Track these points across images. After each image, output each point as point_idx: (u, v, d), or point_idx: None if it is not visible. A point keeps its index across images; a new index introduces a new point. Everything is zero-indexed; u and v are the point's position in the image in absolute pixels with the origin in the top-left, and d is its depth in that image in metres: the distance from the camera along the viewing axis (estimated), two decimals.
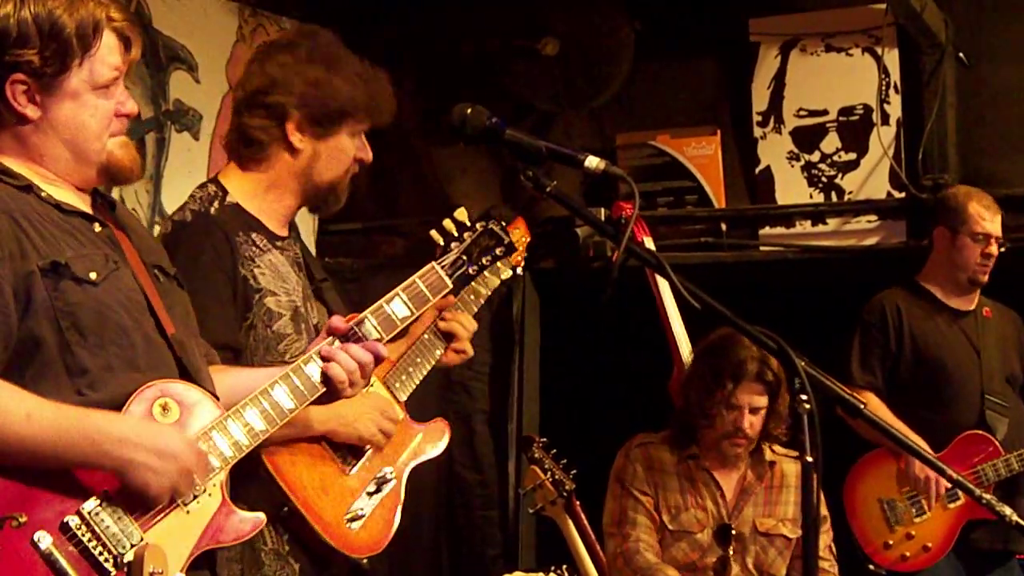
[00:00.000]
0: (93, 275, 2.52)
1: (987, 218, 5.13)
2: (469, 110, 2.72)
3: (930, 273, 5.27)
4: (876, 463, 5.16)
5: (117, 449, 2.42)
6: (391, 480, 3.38)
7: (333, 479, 3.25)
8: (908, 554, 5.08)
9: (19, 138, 2.57)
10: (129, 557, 2.44)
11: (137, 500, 2.46)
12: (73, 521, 2.40)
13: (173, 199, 3.36)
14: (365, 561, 3.31)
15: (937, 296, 5.23)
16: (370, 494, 3.32)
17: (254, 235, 3.25)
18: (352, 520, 3.25)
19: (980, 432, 5.04)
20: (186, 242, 3.12)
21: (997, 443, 5.02)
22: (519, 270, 3.88)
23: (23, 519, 2.35)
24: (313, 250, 5.94)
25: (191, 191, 3.31)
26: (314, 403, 2.77)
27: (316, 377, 2.72)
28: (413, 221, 6.31)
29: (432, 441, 3.60)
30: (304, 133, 3.30)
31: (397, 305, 2.89)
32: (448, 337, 3.60)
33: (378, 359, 2.79)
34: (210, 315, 3.03)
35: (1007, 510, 3.01)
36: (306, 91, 3.28)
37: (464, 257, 3.02)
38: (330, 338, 2.78)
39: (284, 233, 3.38)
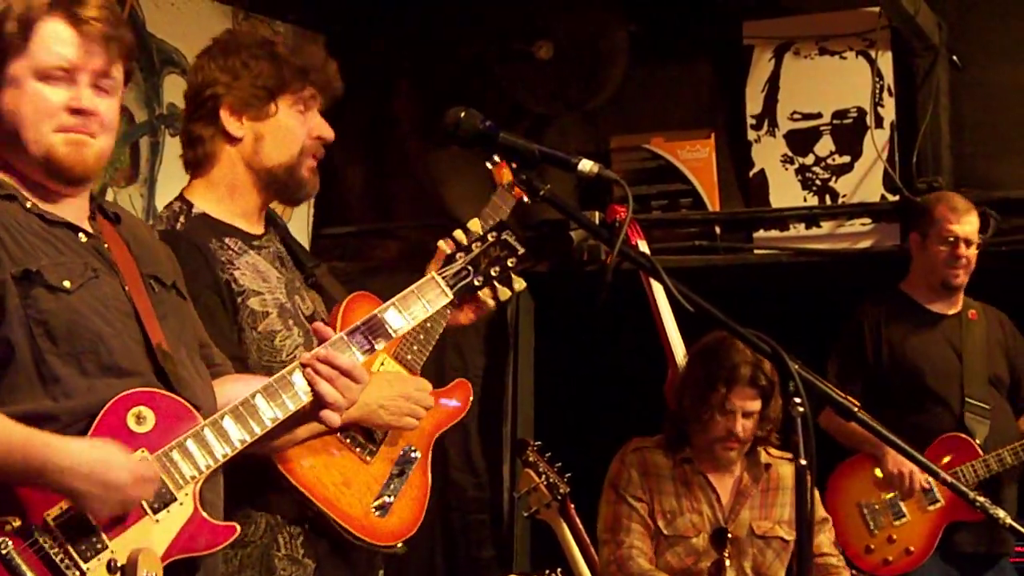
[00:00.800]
0: (67, 283, 2.51)
1: (953, 220, 5.10)
2: (463, 114, 2.72)
3: (911, 279, 5.29)
4: (855, 468, 5.16)
5: (61, 478, 2.39)
6: (415, 457, 3.34)
7: (354, 471, 3.21)
8: (890, 558, 5.08)
9: None
10: (121, 560, 2.43)
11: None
12: (36, 528, 2.39)
13: (167, 203, 3.37)
14: (399, 545, 3.29)
15: (919, 302, 5.23)
16: (395, 477, 3.28)
17: (227, 240, 3.21)
18: (379, 509, 3.22)
19: (958, 434, 5.04)
20: None
21: (976, 445, 5.02)
22: (525, 198, 3.81)
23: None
24: None
25: (158, 212, 3.30)
26: (302, 414, 2.73)
27: (300, 386, 2.69)
28: (407, 225, 6.32)
29: (454, 406, 3.55)
30: (239, 118, 3.25)
31: (391, 316, 2.83)
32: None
33: (353, 378, 2.73)
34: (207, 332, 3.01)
35: (1000, 512, 3.00)
36: (228, 79, 3.24)
37: (470, 268, 2.94)
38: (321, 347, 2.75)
39: (260, 231, 3.34)
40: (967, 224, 5.11)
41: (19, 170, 2.60)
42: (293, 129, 3.30)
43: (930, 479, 5.02)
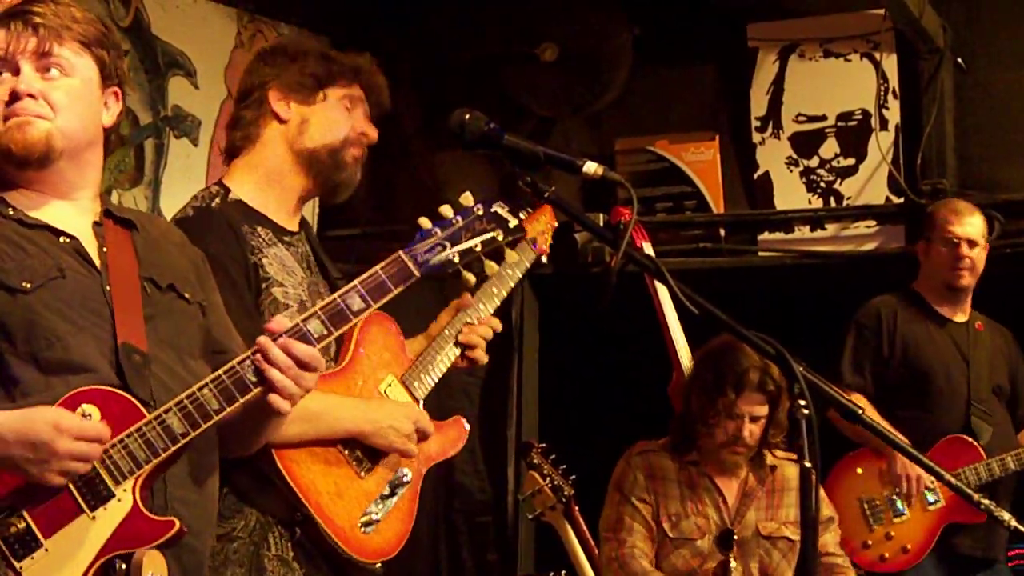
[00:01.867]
0: (26, 284, 2.54)
1: (954, 222, 5.16)
2: (467, 116, 2.71)
3: (921, 284, 5.32)
4: (859, 462, 5.16)
5: (3, 446, 2.42)
6: (407, 481, 3.34)
7: (348, 483, 3.21)
8: (887, 555, 5.08)
9: None
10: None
11: (40, 505, 2.46)
12: None
13: (172, 205, 3.37)
14: (379, 565, 3.29)
15: (932, 304, 5.25)
16: (384, 497, 3.28)
17: (259, 228, 3.22)
18: (366, 525, 3.22)
19: (963, 436, 5.06)
20: (191, 235, 3.04)
21: (980, 448, 5.03)
22: (544, 259, 3.81)
23: None
24: None
25: (194, 194, 3.32)
26: (254, 403, 2.66)
27: (250, 375, 2.61)
28: (411, 227, 6.31)
29: (450, 440, 3.55)
30: (287, 101, 3.30)
31: (352, 298, 2.67)
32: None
33: (307, 367, 2.64)
34: (230, 306, 2.98)
35: (1005, 515, 3.01)
36: (278, 71, 3.32)
37: (446, 243, 2.72)
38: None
39: (293, 228, 3.34)
40: (968, 226, 5.15)
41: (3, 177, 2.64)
42: (339, 120, 3.34)
43: (933, 480, 5.03)
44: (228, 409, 2.60)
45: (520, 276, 3.75)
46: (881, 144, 5.84)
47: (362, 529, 3.21)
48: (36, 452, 2.43)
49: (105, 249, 2.69)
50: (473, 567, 6.23)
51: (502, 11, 6.13)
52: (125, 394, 2.56)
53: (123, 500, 2.53)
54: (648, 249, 5.28)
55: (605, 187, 4.77)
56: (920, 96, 5.81)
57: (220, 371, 2.61)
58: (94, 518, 2.51)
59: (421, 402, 3.45)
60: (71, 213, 2.69)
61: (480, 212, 2.76)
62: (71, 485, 2.48)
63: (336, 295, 2.68)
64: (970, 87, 5.82)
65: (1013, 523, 3.02)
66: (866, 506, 5.10)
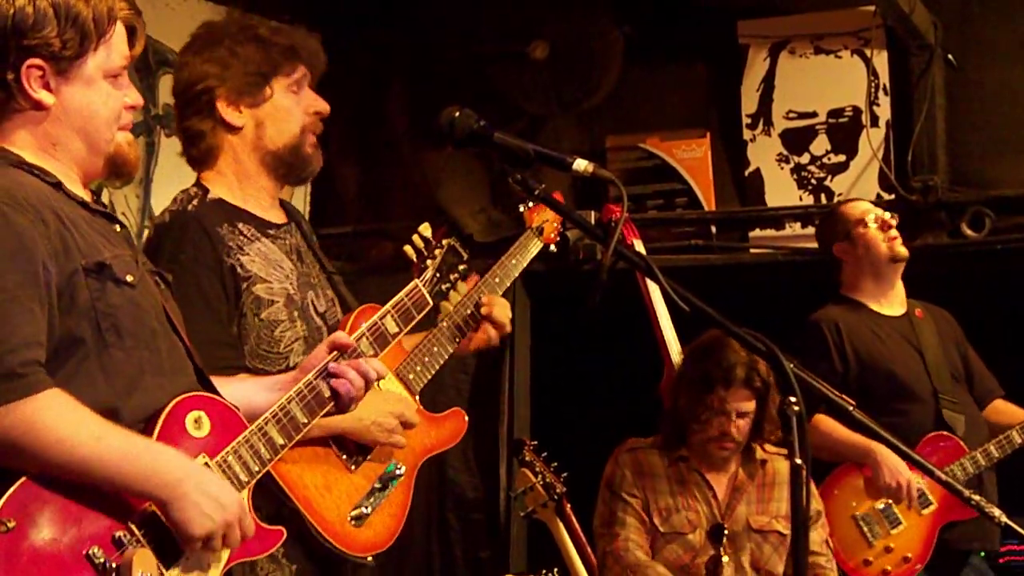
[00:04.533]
0: (130, 277, 2.51)
1: (857, 205, 5.19)
2: (457, 114, 2.72)
3: (852, 285, 5.20)
4: (843, 479, 5.00)
5: (175, 482, 2.42)
6: (400, 474, 3.36)
7: (337, 477, 3.23)
8: (889, 568, 4.96)
9: (32, 129, 2.53)
10: (115, 562, 2.42)
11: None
12: (124, 535, 2.40)
13: (163, 203, 3.36)
14: (370, 559, 3.29)
15: (868, 305, 5.17)
16: (376, 491, 3.30)
17: (240, 225, 3.22)
18: (356, 519, 3.23)
19: (942, 432, 4.95)
20: (166, 243, 3.10)
21: (959, 440, 4.96)
22: (552, 247, 4.05)
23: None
24: None
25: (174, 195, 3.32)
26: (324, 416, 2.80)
27: (325, 392, 2.77)
28: (403, 225, 6.25)
29: (448, 432, 3.58)
30: (237, 107, 3.29)
31: (388, 322, 2.99)
32: (469, 324, 3.58)
33: (368, 386, 2.83)
34: (199, 314, 3.00)
35: (996, 511, 3.01)
36: (218, 70, 3.28)
37: (438, 274, 3.16)
38: (335, 353, 2.80)
39: (279, 221, 3.36)
40: (871, 207, 5.19)
41: (60, 159, 2.57)
42: (290, 109, 3.34)
43: (921, 482, 4.96)
44: (311, 423, 2.74)
45: (524, 265, 3.81)
46: (872, 141, 5.84)
47: (352, 523, 3.22)
48: (210, 504, 2.44)
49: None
50: (465, 564, 6.23)
51: (493, 9, 6.13)
52: (227, 402, 2.60)
53: None
54: (639, 246, 5.28)
55: (596, 184, 4.77)
56: (911, 93, 5.82)
57: (300, 386, 2.73)
58: None
59: (417, 394, 3.47)
60: (87, 197, 2.63)
61: (447, 246, 3.21)
62: None
63: (375, 317, 3.00)
64: (961, 84, 5.83)
65: (1004, 519, 3.02)
66: (862, 523, 4.94)
